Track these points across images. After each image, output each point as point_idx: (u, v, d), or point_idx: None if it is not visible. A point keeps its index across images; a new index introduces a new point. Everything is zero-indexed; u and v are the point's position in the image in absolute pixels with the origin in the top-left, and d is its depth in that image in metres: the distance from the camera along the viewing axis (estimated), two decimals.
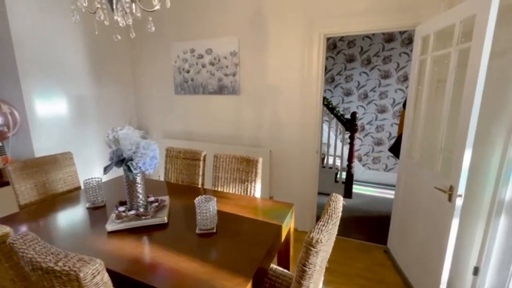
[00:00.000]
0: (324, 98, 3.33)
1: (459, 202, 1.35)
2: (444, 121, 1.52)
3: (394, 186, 3.73)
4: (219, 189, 1.87)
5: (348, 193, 3.37)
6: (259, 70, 2.45)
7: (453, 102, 1.48)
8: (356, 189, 3.62)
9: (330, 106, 3.28)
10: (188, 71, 2.75)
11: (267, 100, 2.47)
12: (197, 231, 1.24)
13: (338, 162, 3.60)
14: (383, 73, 3.66)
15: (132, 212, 1.32)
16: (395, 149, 2.41)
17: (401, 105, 3.63)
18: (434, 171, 1.59)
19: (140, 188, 1.34)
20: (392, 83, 3.64)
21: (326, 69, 3.96)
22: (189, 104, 2.86)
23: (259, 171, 1.77)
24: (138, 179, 1.33)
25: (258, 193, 1.77)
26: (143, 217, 1.31)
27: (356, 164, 3.97)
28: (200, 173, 1.95)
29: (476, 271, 1.44)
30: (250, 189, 1.77)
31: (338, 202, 1.06)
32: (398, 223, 2.10)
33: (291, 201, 2.57)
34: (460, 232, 1.49)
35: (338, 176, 3.45)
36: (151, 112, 3.13)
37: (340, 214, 1.05)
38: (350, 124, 3.17)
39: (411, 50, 3.46)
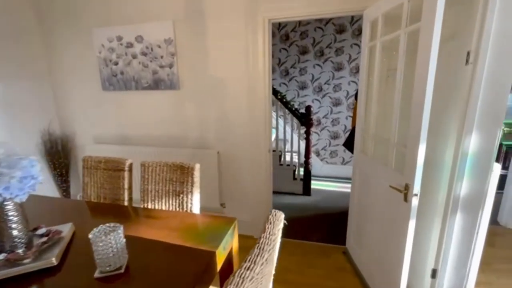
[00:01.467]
0: (278, 92, 3.14)
1: (415, 201, 1.22)
2: (396, 113, 1.38)
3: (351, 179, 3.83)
4: (149, 205, 1.53)
5: (306, 190, 3.24)
6: (200, 60, 2.13)
7: (404, 91, 1.34)
8: (315, 184, 3.53)
9: (285, 100, 3.10)
10: (116, 63, 2.32)
11: (212, 95, 2.17)
12: (95, 275, 0.90)
13: (296, 159, 3.46)
14: (336, 65, 3.59)
15: (1, 256, 0.93)
16: (349, 144, 2.30)
17: (354, 97, 3.61)
18: (388, 168, 1.46)
19: (13, 222, 0.95)
20: (345, 75, 3.59)
21: (279, 61, 3.77)
22: (121, 102, 2.43)
23: (196, 180, 1.47)
24: (9, 209, 0.94)
25: (196, 207, 1.47)
26: (19, 262, 0.93)
27: (314, 159, 3.89)
28: (126, 186, 1.58)
29: (434, 273, 1.34)
30: (187, 202, 1.47)
31: (277, 224, 0.81)
32: (354, 223, 1.97)
33: (246, 206, 2.33)
34: (417, 233, 1.38)
35: (296, 173, 3.30)
36: (76, 114, 2.61)
37: (279, 237, 0.81)
38: (305, 119, 3.02)
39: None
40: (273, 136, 3.43)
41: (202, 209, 2.40)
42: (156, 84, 2.26)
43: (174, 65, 2.18)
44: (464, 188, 1.17)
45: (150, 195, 1.53)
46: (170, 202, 1.50)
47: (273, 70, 3.82)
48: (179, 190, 1.48)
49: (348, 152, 3.82)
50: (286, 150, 3.49)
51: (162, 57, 2.18)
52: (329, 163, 3.93)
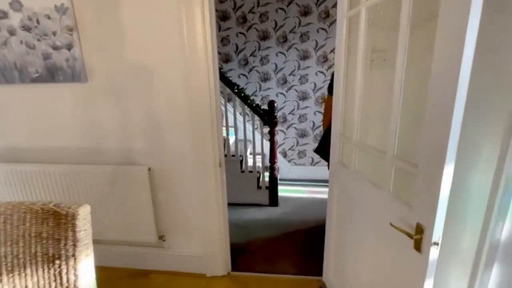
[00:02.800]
0: (236, 85, 2.58)
1: (434, 253, 0.77)
2: (395, 114, 0.92)
3: (323, 182, 3.54)
4: (4, 280, 0.89)
5: (273, 200, 2.77)
6: (114, 38, 1.47)
7: (409, 82, 0.88)
8: (283, 191, 3.07)
9: (243, 95, 2.55)
10: None
11: (135, 88, 1.53)
12: None
13: (260, 163, 2.95)
14: (301, 53, 3.12)
15: None
16: (324, 150, 1.84)
17: (324, 90, 3.20)
18: (384, 192, 1.00)
19: None
20: (311, 64, 3.15)
21: (237, 48, 3.20)
22: (1, 101, 1.66)
23: (83, 234, 0.86)
24: None
25: (85, 280, 0.87)
26: None
27: (281, 161, 3.43)
28: None
29: None
30: (68, 273, 0.86)
31: None
32: (333, 254, 1.53)
33: (194, 236, 1.76)
34: None
35: (261, 180, 2.80)
36: None
37: None
38: (268, 117, 2.52)
39: (329, 26, 3.00)
40: (232, 139, 2.87)
41: (134, 245, 1.84)
42: (51, 74, 1.55)
43: (74, 45, 1.49)
44: (507, 230, 0.76)
45: (5, 265, 0.89)
46: (40, 274, 0.88)
47: (230, 59, 3.24)
48: (54, 254, 0.86)
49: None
50: (248, 153, 2.97)
51: (54, 33, 1.48)
52: (297, 164, 3.51)
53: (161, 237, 1.75)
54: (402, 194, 0.93)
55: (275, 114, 2.52)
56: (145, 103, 1.55)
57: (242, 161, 2.77)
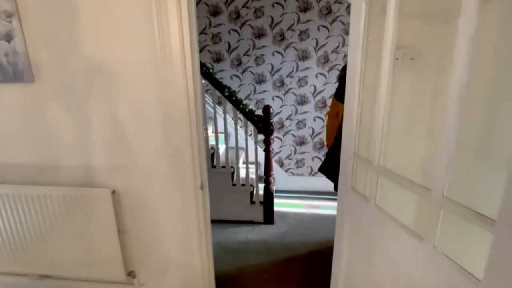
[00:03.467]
0: (226, 88, 2.27)
1: None
2: (449, 134, 0.62)
3: (323, 194, 3.04)
4: None
5: (268, 217, 2.46)
6: (66, 28, 1.15)
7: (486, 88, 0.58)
8: (279, 205, 2.77)
9: (234, 99, 2.24)
10: None
11: (94, 93, 1.22)
12: None
13: (253, 174, 2.65)
14: (300, 53, 2.84)
15: None
16: (330, 170, 1.53)
17: (325, 93, 2.91)
18: (424, 243, 0.70)
19: None
20: (311, 65, 2.86)
21: (229, 47, 2.89)
22: None
23: None
24: None
25: None
26: None
27: (277, 170, 3.12)
28: None
29: None
30: None
31: None
32: None
33: (171, 273, 1.43)
34: None
35: (255, 195, 2.49)
36: None
37: None
38: (263, 124, 2.21)
39: (331, 23, 2.72)
40: (223, 148, 2.56)
41: (97, 281, 1.44)
42: None
43: (15, 36, 1.16)
44: None
45: None
46: None
47: (222, 58, 2.93)
48: None
49: (317, 161, 3.13)
50: (241, 163, 2.66)
51: None
52: (294, 174, 3.21)
53: (130, 273, 1.43)
54: (457, 251, 0.64)
55: (271, 120, 2.22)
56: (107, 111, 1.23)
57: (233, 173, 2.46)
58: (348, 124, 1.06)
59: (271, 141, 2.26)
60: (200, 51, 2.92)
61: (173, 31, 1.10)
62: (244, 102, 2.23)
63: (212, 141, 2.39)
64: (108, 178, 1.31)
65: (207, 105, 2.79)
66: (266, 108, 2.19)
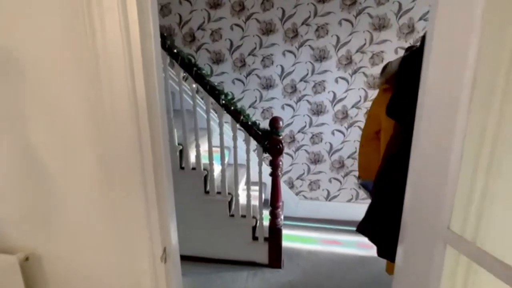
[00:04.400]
0: (222, 94, 1.77)
1: None
2: None
3: (344, 224, 2.45)
4: None
5: (274, 259, 1.93)
6: None
7: None
8: (289, 238, 2.24)
9: (233, 108, 1.74)
10: None
11: None
12: None
13: (256, 199, 2.13)
14: (317, 52, 2.34)
15: None
16: (378, 231, 0.98)
17: (346, 102, 2.39)
18: None
19: None
20: (330, 68, 2.35)
21: (231, 45, 2.42)
22: None
23: None
24: None
25: None
26: None
27: (287, 193, 2.60)
28: None
29: None
30: None
31: None
32: None
33: None
34: None
35: (258, 229, 1.97)
36: None
37: None
38: (269, 140, 1.70)
39: (356, 16, 2.22)
40: (218, 169, 2.06)
41: None
42: None
43: None
44: None
45: None
46: None
47: (222, 59, 2.46)
48: None
49: (335, 183, 2.59)
50: (241, 187, 2.15)
51: None
52: (307, 198, 2.67)
53: None
54: None
55: (280, 136, 1.71)
56: (15, 134, 0.75)
57: (231, 201, 1.96)
58: (432, 173, 0.54)
59: (280, 162, 1.75)
60: (197, 50, 2.46)
61: (112, 22, 0.61)
62: (247, 112, 1.73)
63: (205, 159, 1.90)
64: (20, 237, 0.83)
65: (200, 111, 2.31)
66: (274, 121, 1.69)
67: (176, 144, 1.88)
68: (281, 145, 1.68)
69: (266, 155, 1.75)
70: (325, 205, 2.63)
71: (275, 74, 2.42)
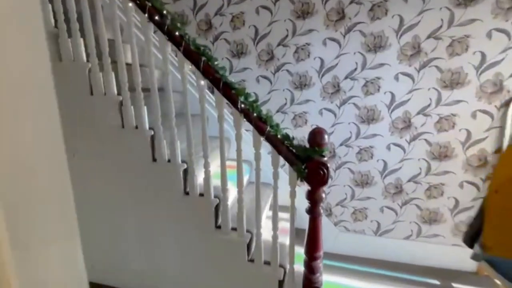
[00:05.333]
0: (242, 94, 1.24)
1: None
2: None
3: (398, 270, 1.70)
4: None
5: None
6: None
7: None
8: (324, 286, 1.65)
9: (256, 115, 1.21)
10: None
11: None
12: None
13: (284, 234, 1.58)
14: (370, 40, 1.74)
15: None
16: None
17: (409, 107, 1.76)
18: None
19: None
20: (389, 60, 1.74)
21: (256, 33, 1.91)
22: None
23: None
24: None
25: None
26: None
27: (323, 221, 2.01)
28: None
29: None
30: None
31: None
32: None
33: None
34: None
35: (287, 282, 1.41)
36: None
37: None
38: (308, 163, 1.14)
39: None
40: (233, 195, 1.55)
41: None
42: None
43: None
44: None
45: None
46: None
47: (245, 52, 1.96)
48: None
49: (388, 212, 1.96)
50: (264, 218, 1.61)
51: None
52: (350, 230, 2.06)
53: None
54: None
55: (325, 157, 1.14)
56: None
57: (251, 241, 1.43)
58: None
59: (322, 195, 1.18)
60: (214, 40, 1.98)
61: None
62: (274, 121, 1.19)
63: (217, 178, 1.38)
64: None
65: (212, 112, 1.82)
66: (316, 134, 1.13)
67: (180, 161, 1.40)
68: (325, 171, 1.12)
69: (302, 183, 1.19)
70: (374, 241, 2.00)
71: (312, 69, 1.87)
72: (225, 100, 1.22)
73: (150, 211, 1.49)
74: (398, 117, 1.80)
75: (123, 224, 1.57)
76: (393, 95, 1.78)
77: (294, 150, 1.17)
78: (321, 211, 1.20)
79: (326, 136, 1.13)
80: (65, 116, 1.37)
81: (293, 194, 1.23)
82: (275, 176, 1.24)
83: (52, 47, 1.39)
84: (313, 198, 1.17)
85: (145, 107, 1.39)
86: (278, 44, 1.89)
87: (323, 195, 1.18)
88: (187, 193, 1.42)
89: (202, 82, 1.24)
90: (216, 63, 1.21)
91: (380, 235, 2.00)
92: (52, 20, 1.40)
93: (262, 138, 1.19)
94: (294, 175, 1.17)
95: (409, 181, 1.87)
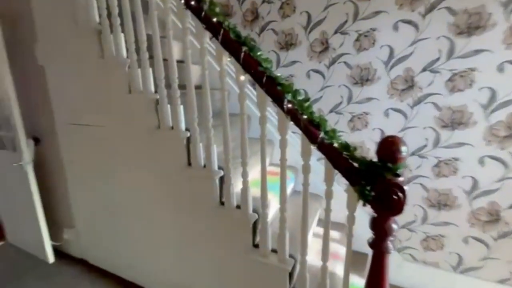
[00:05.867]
0: (289, 91, 1.01)
1: None
2: None
3: None
4: None
5: None
6: None
7: None
8: None
9: (306, 117, 0.96)
10: None
11: None
12: None
13: (338, 260, 1.30)
14: (460, 19, 1.33)
15: None
16: None
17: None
18: None
19: None
20: (488, 44, 1.30)
21: (309, 20, 1.64)
22: None
23: None
24: None
25: None
26: None
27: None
28: None
29: None
30: None
31: None
32: None
33: None
34: None
35: None
36: None
37: None
38: (375, 183, 0.85)
39: None
40: (275, 207, 1.34)
41: None
42: None
43: None
44: None
45: None
46: None
47: (295, 42, 1.71)
48: None
49: (475, 247, 1.50)
50: (310, 233, 1.35)
51: None
52: (418, 261, 1.66)
53: None
54: None
55: (400, 177, 0.83)
56: None
57: (293, 269, 1.19)
58: None
59: (394, 226, 0.87)
60: (260, 32, 1.78)
61: None
62: (329, 125, 0.93)
63: (256, 185, 1.17)
64: None
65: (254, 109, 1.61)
66: (389, 145, 0.83)
67: (215, 167, 1.24)
68: (401, 195, 0.82)
69: (366, 207, 0.91)
70: (452, 279, 1.57)
71: (378, 61, 1.52)
72: (269, 99, 1.00)
73: (184, 219, 1.37)
74: (499, 121, 1.34)
75: (157, 230, 1.49)
76: (493, 92, 1.33)
77: (356, 164, 0.89)
78: (391, 246, 0.90)
79: (404, 148, 0.82)
80: (106, 115, 1.29)
81: (351, 220, 0.95)
82: (328, 195, 0.97)
83: (94, 44, 1.36)
84: (381, 229, 0.87)
85: (182, 106, 1.26)
86: (336, 32, 1.59)
87: (395, 227, 0.88)
88: (222, 203, 1.26)
89: (242, 77, 1.04)
90: (259, 53, 1.00)
91: (462, 273, 1.56)
92: (97, 16, 1.36)
93: (313, 147, 0.94)
94: (354, 196, 0.90)
95: (511, 207, 1.40)
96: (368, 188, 0.85)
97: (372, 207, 0.86)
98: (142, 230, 1.55)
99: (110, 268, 1.78)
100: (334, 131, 0.90)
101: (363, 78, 1.57)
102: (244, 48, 1.00)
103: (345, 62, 1.60)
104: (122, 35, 1.31)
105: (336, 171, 0.93)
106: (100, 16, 1.33)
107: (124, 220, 1.60)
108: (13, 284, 1.70)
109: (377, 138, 1.57)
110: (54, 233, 1.91)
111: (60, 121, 1.66)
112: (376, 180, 0.84)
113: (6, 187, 1.98)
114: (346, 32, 1.56)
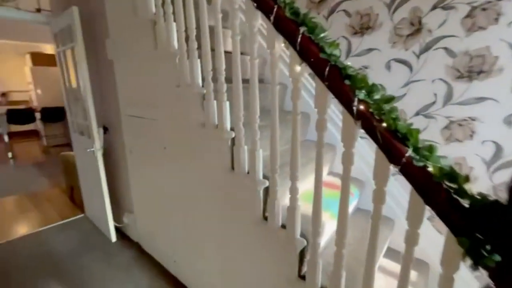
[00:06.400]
0: (361, 87, 0.73)
1: None
2: None
3: None
4: None
5: None
6: None
7: None
8: None
9: (396, 128, 0.67)
10: None
11: None
12: None
13: None
14: None
15: None
16: None
17: None
18: None
19: None
20: None
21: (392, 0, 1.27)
22: None
23: None
24: None
25: None
26: None
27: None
28: None
29: None
30: None
31: None
32: None
33: None
34: None
35: None
36: None
37: None
38: (507, 241, 0.52)
39: None
40: (330, 231, 1.06)
41: None
42: None
43: None
44: None
45: None
46: None
47: (373, 26, 1.36)
48: None
49: None
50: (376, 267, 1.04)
51: None
52: None
53: None
54: None
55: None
56: None
57: None
58: None
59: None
60: (329, 15, 1.49)
61: None
62: (421, 141, 0.62)
63: (308, 200, 0.93)
64: None
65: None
66: None
67: (260, 176, 1.05)
68: None
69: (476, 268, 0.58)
70: None
71: (501, 44, 1.06)
72: (331, 95, 0.75)
73: (226, 227, 1.24)
74: None
75: (199, 231, 1.40)
76: None
77: (465, 202, 0.57)
78: None
79: None
80: (158, 108, 1.21)
81: (447, 283, 0.62)
82: (411, 240, 0.67)
83: (150, 35, 1.32)
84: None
85: (228, 103, 1.10)
86: (433, 8, 1.18)
87: None
88: (266, 218, 1.06)
89: (298, 68, 0.81)
90: (322, 35, 0.75)
91: None
92: (153, 7, 1.32)
93: (393, 168, 0.65)
94: (457, 251, 0.57)
95: None
96: (488, 247, 0.52)
97: (494, 279, 0.52)
98: (185, 228, 1.49)
99: (158, 258, 1.81)
100: (432, 148, 0.59)
101: (473, 69, 1.13)
102: (302, 29, 0.76)
103: (445, 48, 1.18)
104: (174, 24, 1.23)
105: (427, 207, 0.62)
106: (155, 6, 1.27)
107: (170, 214, 1.58)
108: (81, 260, 1.88)
109: (488, 154, 1.11)
110: (118, 215, 2.07)
111: (124, 112, 1.73)
112: (506, 233, 0.51)
113: (84, 168, 2.24)
114: (451, 6, 1.14)
